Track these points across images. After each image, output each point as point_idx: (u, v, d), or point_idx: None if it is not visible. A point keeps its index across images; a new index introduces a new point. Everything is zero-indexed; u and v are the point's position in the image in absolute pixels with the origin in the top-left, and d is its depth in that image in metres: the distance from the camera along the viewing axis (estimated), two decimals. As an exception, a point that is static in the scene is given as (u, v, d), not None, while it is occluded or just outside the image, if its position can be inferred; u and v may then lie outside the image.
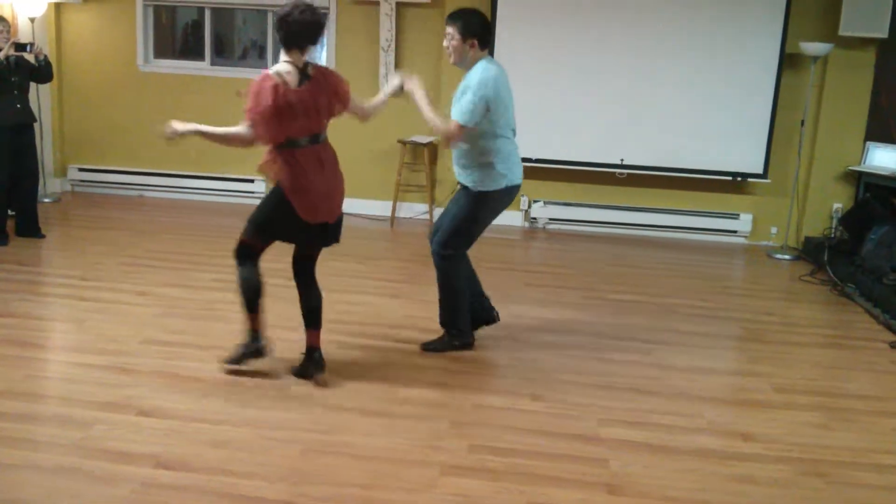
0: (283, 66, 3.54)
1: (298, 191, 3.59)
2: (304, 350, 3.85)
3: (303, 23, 3.49)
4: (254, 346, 3.82)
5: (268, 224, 3.70)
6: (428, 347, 4.29)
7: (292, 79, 3.52)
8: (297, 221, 3.62)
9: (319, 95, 3.57)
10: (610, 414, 3.62)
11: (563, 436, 3.39)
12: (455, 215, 4.14)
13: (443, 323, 4.33)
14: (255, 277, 3.74)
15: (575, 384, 3.93)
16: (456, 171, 4.16)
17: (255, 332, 3.81)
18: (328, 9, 7.38)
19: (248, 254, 3.75)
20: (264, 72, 3.53)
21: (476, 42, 3.93)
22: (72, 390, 3.57)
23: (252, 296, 3.73)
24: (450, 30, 3.94)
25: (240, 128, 3.57)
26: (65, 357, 4.03)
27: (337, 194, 3.74)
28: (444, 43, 4.00)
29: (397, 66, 7.16)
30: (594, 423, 3.51)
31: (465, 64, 3.98)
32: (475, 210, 4.10)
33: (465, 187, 4.13)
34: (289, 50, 3.55)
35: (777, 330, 4.99)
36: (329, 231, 3.76)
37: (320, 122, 3.63)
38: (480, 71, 3.90)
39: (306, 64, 3.58)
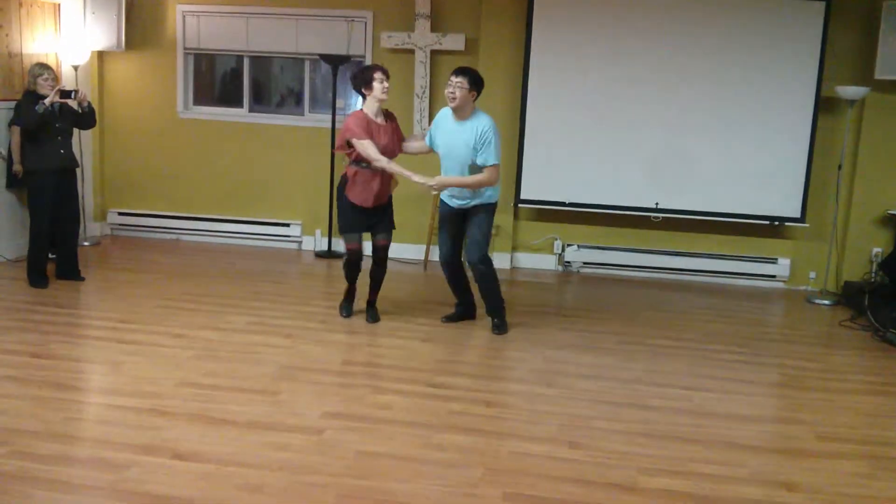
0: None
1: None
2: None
3: None
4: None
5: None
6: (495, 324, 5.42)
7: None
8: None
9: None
10: (650, 462, 3.55)
11: (602, 485, 3.32)
12: (482, 228, 5.22)
13: (491, 311, 5.40)
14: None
15: (613, 431, 3.87)
16: (460, 200, 5.22)
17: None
18: (364, 57, 7.50)
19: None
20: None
21: (476, 94, 5.04)
22: (108, 433, 3.58)
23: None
24: (459, 79, 4.96)
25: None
26: (102, 399, 4.06)
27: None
28: (450, 89, 4.97)
29: (431, 112, 7.23)
30: (634, 472, 3.45)
31: (464, 110, 5.04)
32: (493, 218, 5.33)
33: (476, 206, 5.21)
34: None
35: (818, 376, 4.89)
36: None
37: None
38: (486, 118, 5.05)
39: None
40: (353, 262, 5.35)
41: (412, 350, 4.97)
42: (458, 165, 5.11)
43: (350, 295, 5.59)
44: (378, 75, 5.04)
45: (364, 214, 5.22)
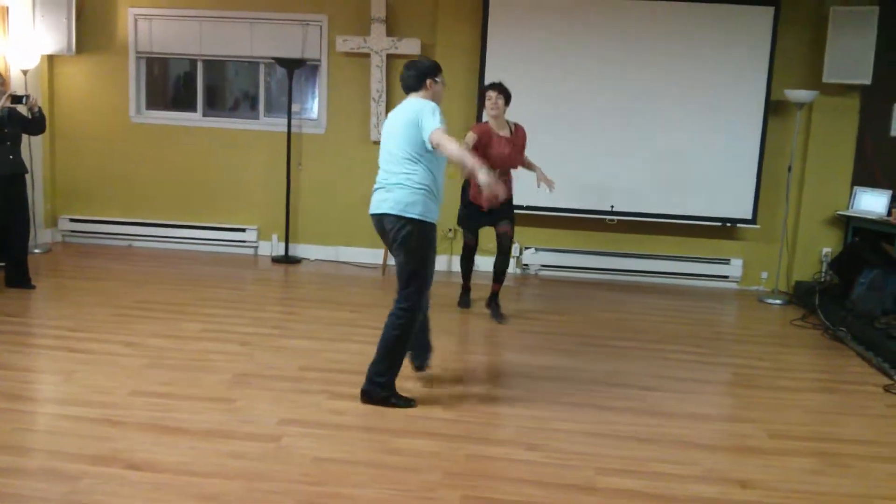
0: None
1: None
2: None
3: None
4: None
5: None
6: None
7: None
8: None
9: None
10: (606, 463, 3.58)
11: (559, 486, 3.34)
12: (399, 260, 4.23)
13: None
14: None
15: (570, 433, 3.90)
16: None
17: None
18: (320, 61, 7.46)
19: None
20: None
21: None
22: (59, 443, 3.51)
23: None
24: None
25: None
26: (53, 409, 3.98)
27: None
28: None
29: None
30: (590, 473, 3.47)
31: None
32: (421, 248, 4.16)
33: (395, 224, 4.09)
34: None
35: (770, 375, 4.98)
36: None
37: None
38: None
39: None
40: (465, 256, 6.13)
41: (369, 355, 4.93)
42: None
43: (464, 289, 6.28)
44: (489, 94, 5.59)
45: (478, 213, 5.79)
